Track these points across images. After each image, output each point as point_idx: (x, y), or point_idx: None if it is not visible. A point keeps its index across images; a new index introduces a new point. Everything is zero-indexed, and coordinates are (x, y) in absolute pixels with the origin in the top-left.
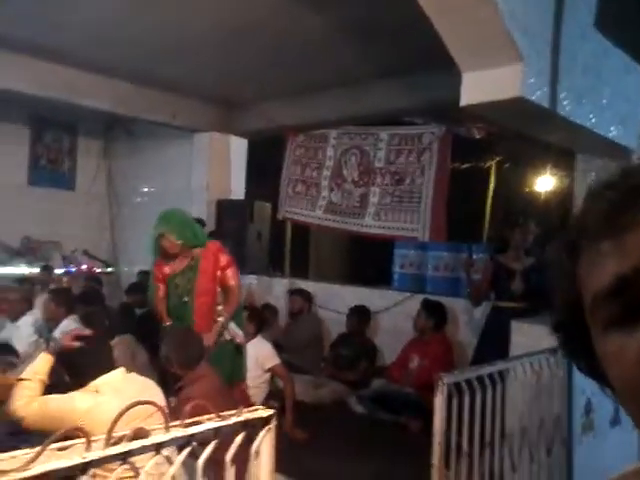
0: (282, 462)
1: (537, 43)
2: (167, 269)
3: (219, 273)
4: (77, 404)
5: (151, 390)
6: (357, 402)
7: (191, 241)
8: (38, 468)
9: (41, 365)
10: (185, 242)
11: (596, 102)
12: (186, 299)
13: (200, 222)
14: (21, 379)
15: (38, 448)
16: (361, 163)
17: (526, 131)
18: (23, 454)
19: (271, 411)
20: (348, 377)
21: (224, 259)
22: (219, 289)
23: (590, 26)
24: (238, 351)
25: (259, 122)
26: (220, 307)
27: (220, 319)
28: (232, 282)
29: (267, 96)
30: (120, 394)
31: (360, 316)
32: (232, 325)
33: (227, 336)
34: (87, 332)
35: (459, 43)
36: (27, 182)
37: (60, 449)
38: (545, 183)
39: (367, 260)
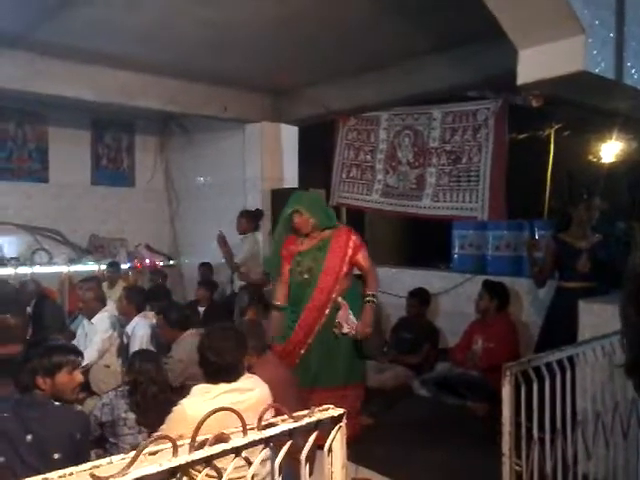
0: (349, 449)
1: (599, 12)
2: (294, 247)
3: (350, 252)
4: (188, 412)
5: (259, 384)
6: (421, 386)
7: (323, 222)
8: (134, 473)
9: None
10: (317, 222)
11: None
12: (307, 276)
13: (258, 212)
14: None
15: (133, 454)
16: (415, 144)
17: (590, 102)
18: (119, 460)
19: (341, 410)
20: (411, 361)
21: (356, 241)
22: (345, 270)
23: None
24: (357, 347)
25: (309, 108)
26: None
27: (369, 298)
28: (366, 263)
29: (316, 82)
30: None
31: (420, 299)
32: (352, 316)
33: (346, 329)
34: None
35: (514, 19)
36: (90, 182)
37: (150, 454)
38: (611, 152)
39: (425, 242)
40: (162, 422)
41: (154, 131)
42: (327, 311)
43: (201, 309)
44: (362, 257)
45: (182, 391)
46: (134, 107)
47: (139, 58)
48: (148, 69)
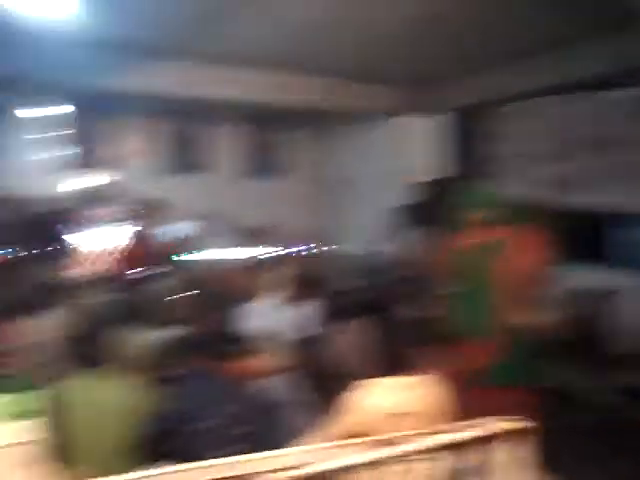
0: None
1: None
2: (467, 241)
3: (529, 252)
4: (361, 403)
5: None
6: (600, 392)
7: (498, 220)
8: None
9: None
10: (492, 220)
11: None
12: (479, 274)
13: (419, 205)
14: None
15: (304, 446)
16: (571, 132)
17: None
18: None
19: (527, 422)
20: (573, 365)
21: (536, 241)
22: (522, 270)
23: None
24: (539, 347)
25: (459, 99)
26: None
27: (546, 299)
28: (544, 263)
29: (468, 71)
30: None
31: (585, 300)
32: (530, 315)
33: (528, 327)
34: None
35: None
36: (247, 174)
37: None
38: None
39: (582, 238)
40: (324, 407)
41: (305, 125)
42: (508, 310)
43: (357, 299)
44: (539, 258)
45: (341, 380)
46: (290, 105)
47: (296, 58)
48: (303, 70)
